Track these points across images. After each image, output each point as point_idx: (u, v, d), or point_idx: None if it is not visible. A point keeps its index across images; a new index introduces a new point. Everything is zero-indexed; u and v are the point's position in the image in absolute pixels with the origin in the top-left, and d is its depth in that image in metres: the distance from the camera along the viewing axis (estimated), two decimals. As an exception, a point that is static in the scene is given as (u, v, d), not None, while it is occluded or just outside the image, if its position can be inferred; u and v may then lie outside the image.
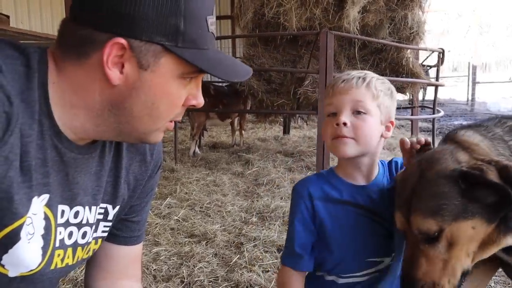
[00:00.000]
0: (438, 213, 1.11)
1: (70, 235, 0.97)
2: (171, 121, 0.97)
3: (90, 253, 1.08)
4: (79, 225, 0.98)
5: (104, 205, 1.05)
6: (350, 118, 1.28)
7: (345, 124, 1.26)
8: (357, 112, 1.28)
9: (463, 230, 1.11)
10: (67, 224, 0.95)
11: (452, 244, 1.12)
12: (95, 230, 1.05)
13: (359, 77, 1.31)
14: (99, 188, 1.01)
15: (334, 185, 1.37)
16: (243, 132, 6.63)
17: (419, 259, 1.15)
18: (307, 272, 1.39)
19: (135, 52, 0.84)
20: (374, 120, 1.31)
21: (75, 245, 0.99)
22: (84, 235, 1.00)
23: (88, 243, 1.03)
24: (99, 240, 1.09)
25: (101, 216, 1.05)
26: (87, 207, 0.99)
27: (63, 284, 2.19)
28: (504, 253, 1.26)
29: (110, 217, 1.08)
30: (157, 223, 3.14)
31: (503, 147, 1.24)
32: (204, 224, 3.11)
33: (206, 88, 5.68)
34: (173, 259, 2.57)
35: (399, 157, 1.46)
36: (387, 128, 1.36)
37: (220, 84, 6.59)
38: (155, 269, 2.43)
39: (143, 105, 0.89)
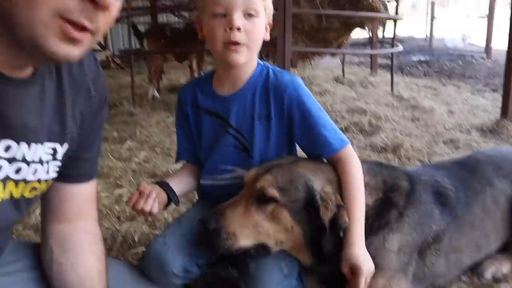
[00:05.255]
0: (283, 190, 1.28)
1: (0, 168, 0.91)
2: (64, 19, 0.75)
3: (37, 193, 1.03)
4: (11, 160, 0.92)
5: (51, 144, 1.01)
6: (243, 21, 1.23)
7: (238, 29, 1.23)
8: (248, 15, 1.24)
9: (285, 220, 1.29)
10: None
11: (272, 220, 1.29)
12: (47, 172, 1.01)
13: None
14: (42, 126, 0.96)
15: (204, 92, 1.45)
16: (201, 73, 6.52)
17: (237, 207, 1.30)
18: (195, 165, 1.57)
19: None
20: (262, 23, 1.29)
21: (5, 180, 0.93)
22: (18, 170, 0.95)
23: (26, 181, 0.97)
24: (49, 181, 1.05)
25: (50, 157, 1.01)
26: (23, 143, 0.93)
27: (24, 229, 2.16)
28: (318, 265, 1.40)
29: (59, 156, 1.04)
30: (118, 166, 3.10)
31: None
32: (165, 164, 3.10)
33: (162, 29, 5.49)
34: (136, 199, 2.57)
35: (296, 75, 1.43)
36: (266, 30, 1.35)
37: (177, 26, 6.35)
38: (118, 211, 2.42)
39: None
